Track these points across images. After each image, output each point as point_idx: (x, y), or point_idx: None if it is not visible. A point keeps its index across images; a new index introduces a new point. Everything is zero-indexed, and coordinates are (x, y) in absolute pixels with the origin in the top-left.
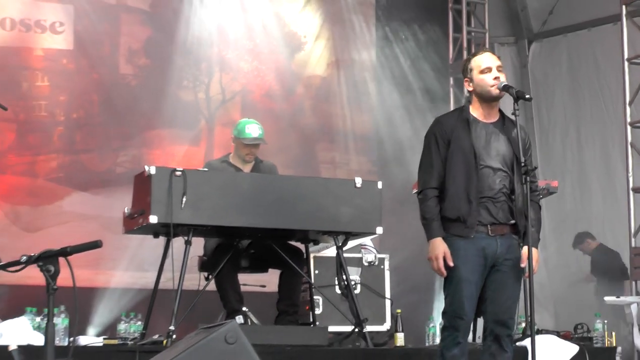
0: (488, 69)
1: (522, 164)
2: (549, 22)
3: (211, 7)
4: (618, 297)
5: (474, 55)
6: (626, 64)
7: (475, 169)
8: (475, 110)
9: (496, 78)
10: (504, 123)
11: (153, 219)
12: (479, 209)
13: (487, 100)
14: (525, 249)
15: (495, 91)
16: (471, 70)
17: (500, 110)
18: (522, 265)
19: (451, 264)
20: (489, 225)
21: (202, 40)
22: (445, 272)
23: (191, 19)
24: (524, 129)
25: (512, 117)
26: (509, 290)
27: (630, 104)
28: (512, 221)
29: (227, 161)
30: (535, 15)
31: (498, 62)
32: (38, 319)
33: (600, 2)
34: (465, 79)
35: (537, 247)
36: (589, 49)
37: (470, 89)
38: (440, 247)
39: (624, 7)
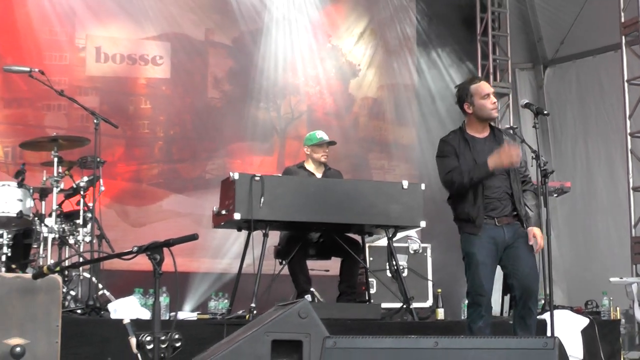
0: (487, 95)
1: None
2: (560, 51)
3: (282, 42)
4: (621, 278)
5: (471, 83)
6: (626, 84)
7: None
8: (472, 129)
9: (494, 103)
10: (495, 135)
11: (237, 216)
12: (486, 208)
13: (485, 120)
14: (530, 229)
15: (495, 114)
16: (472, 95)
17: (490, 125)
18: (530, 242)
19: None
20: (495, 218)
21: (275, 69)
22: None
23: (266, 52)
24: (512, 137)
25: (501, 129)
26: (524, 260)
27: (629, 117)
28: (515, 212)
29: (303, 167)
30: (549, 45)
31: (492, 89)
32: (144, 298)
33: (603, 33)
34: (466, 102)
35: (539, 226)
36: (594, 72)
37: (470, 111)
38: (494, 159)
39: (623, 37)
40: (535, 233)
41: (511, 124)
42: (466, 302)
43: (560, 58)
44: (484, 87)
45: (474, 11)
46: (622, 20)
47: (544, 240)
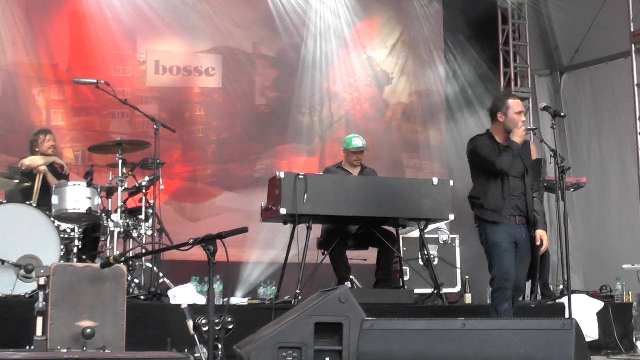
0: (521, 112)
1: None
2: (575, 58)
3: (322, 54)
4: (633, 265)
5: (508, 97)
6: (636, 88)
7: (507, 178)
8: (498, 136)
9: (523, 121)
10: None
11: (283, 211)
12: (510, 204)
13: (510, 132)
14: (538, 231)
15: (524, 132)
16: (508, 108)
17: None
18: (538, 243)
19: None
20: (517, 216)
21: (316, 78)
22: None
23: (307, 63)
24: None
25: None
26: (524, 263)
27: (639, 119)
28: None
29: (341, 167)
30: (565, 53)
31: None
32: (200, 285)
33: (614, 42)
34: (500, 112)
35: (545, 229)
36: (607, 78)
37: (502, 120)
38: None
39: (633, 45)
40: (543, 236)
41: (532, 126)
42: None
43: (575, 65)
44: (519, 105)
45: (496, 23)
46: (632, 29)
47: (562, 230)
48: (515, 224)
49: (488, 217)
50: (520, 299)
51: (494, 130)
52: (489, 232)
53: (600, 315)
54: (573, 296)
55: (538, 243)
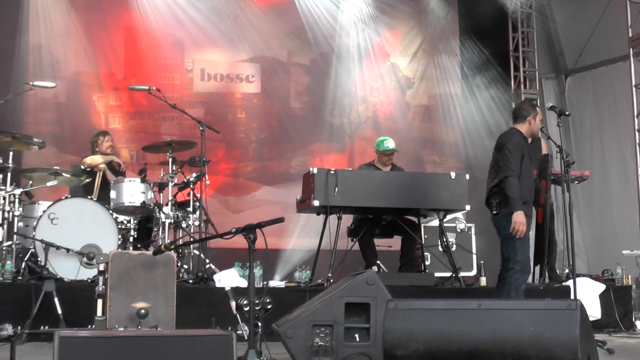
0: (542, 120)
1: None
2: (579, 62)
3: (350, 61)
4: (632, 250)
5: (536, 106)
6: (634, 89)
7: (532, 174)
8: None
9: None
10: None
11: (316, 203)
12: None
13: (532, 135)
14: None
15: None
16: (536, 115)
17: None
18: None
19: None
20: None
21: (345, 83)
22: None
23: (337, 70)
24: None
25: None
26: None
27: (637, 116)
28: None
29: (373, 164)
30: (569, 58)
31: None
32: (242, 270)
33: (614, 47)
34: (531, 116)
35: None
36: (607, 79)
37: (531, 124)
38: (523, 218)
39: (631, 49)
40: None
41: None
42: None
43: (579, 68)
44: (540, 116)
45: (506, 31)
46: (630, 35)
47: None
48: (529, 216)
49: (519, 207)
50: (529, 281)
51: (521, 128)
52: None
53: (602, 296)
54: (577, 279)
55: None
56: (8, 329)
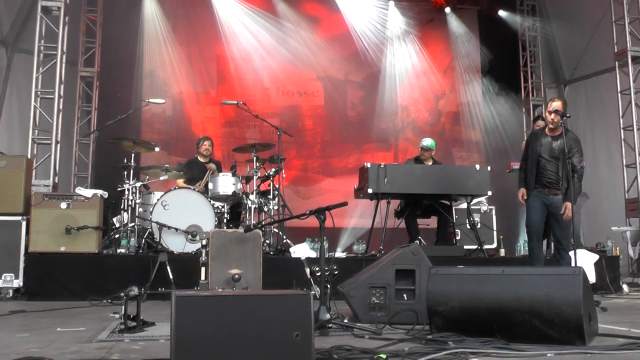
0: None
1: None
2: (574, 74)
3: (394, 78)
4: (619, 227)
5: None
6: (619, 94)
7: (536, 160)
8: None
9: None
10: (561, 135)
11: (370, 190)
12: (538, 180)
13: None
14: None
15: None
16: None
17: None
18: (561, 212)
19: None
20: (547, 188)
21: (390, 95)
22: (523, 202)
23: (384, 85)
24: (572, 138)
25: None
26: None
27: (622, 116)
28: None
29: (418, 158)
30: (567, 70)
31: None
32: (312, 243)
33: (602, 60)
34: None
35: (571, 201)
36: (597, 87)
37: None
38: (520, 191)
39: (616, 62)
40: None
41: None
42: (518, 244)
43: (575, 79)
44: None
45: (517, 50)
46: (615, 50)
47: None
48: (545, 193)
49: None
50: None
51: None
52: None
53: (596, 265)
54: (578, 251)
55: (561, 212)
56: (135, 290)
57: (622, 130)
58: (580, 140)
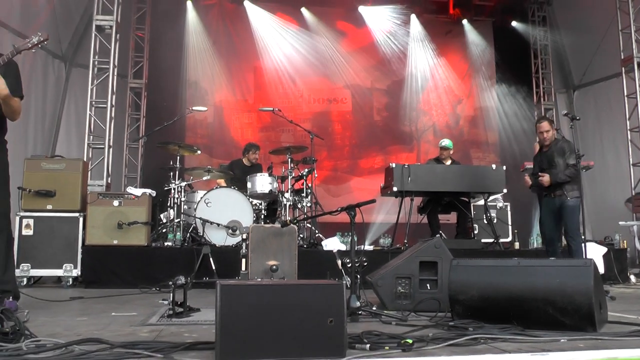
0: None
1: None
2: (583, 79)
3: (416, 85)
4: (626, 222)
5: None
6: (626, 98)
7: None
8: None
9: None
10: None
11: (395, 189)
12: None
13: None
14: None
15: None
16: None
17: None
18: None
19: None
20: (551, 192)
21: (413, 101)
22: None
23: (407, 92)
24: (566, 143)
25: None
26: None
27: (629, 118)
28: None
29: (438, 158)
30: (576, 76)
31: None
32: (343, 237)
33: (609, 66)
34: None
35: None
36: (605, 92)
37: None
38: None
39: (623, 68)
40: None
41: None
42: (531, 237)
43: (584, 84)
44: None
45: (529, 58)
46: (622, 57)
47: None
48: (551, 197)
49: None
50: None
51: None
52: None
53: (605, 257)
54: (587, 244)
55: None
56: (181, 279)
57: (629, 132)
58: (580, 141)
